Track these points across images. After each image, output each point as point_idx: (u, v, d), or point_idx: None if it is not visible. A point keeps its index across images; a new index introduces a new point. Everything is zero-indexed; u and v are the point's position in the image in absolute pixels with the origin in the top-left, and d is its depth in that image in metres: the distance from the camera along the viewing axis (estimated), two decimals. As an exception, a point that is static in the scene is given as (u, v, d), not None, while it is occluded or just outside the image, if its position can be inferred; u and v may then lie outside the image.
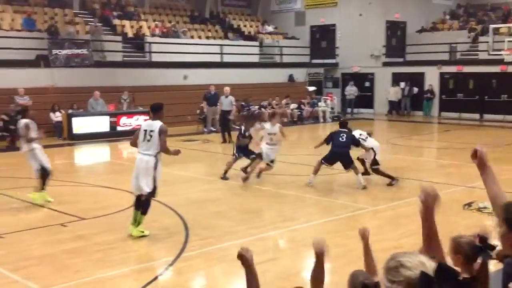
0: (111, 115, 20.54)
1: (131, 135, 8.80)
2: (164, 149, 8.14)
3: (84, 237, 8.20)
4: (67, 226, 8.75)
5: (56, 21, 23.01)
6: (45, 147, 11.37)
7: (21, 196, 10.42)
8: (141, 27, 25.65)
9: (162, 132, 8.07)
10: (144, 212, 8.15)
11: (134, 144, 8.37)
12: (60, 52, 20.79)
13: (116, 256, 7.31)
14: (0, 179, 12.01)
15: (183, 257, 7.22)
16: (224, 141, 18.69)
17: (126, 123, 20.63)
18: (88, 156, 17.98)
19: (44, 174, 10.10)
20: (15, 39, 20.61)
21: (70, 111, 19.79)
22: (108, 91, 21.18)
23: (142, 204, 8.18)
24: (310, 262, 7.31)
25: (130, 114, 20.94)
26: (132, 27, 25.62)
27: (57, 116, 19.68)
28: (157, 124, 8.13)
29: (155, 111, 8.37)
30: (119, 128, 20.49)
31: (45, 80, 20.28)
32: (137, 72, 22.96)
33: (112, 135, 19.93)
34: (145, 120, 15.38)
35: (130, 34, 25.16)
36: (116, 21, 25.49)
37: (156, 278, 6.65)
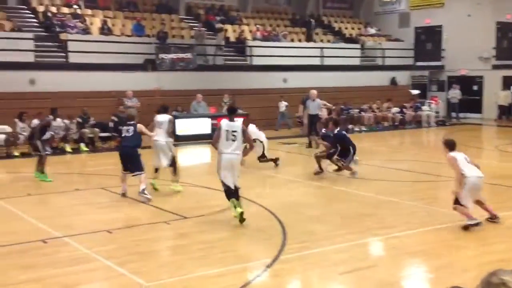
0: (212, 117, 21.06)
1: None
2: (252, 145, 9.28)
3: (186, 236, 8.46)
4: (170, 224, 9.07)
5: (165, 26, 24.01)
6: (148, 147, 11.90)
7: (128, 194, 10.92)
8: (243, 31, 26.13)
9: (245, 131, 9.03)
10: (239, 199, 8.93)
11: (215, 145, 8.99)
12: (166, 56, 21.67)
13: (216, 255, 7.47)
14: (108, 177, 12.69)
15: (280, 259, 7.25)
16: (310, 145, 17.98)
17: (226, 125, 21.06)
18: (190, 156, 18.54)
19: (175, 164, 11.46)
20: (125, 44, 21.74)
21: (174, 113, 20.51)
22: (210, 93, 21.76)
23: (237, 193, 8.90)
24: (410, 271, 7.10)
25: (230, 116, 21.36)
26: (234, 31, 26.16)
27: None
28: (238, 124, 8.98)
29: (233, 113, 9.33)
30: (220, 130, 20.96)
31: (152, 83, 21.20)
32: (238, 75, 23.41)
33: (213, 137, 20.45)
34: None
35: (232, 38, 25.70)
36: (219, 26, 26.14)
37: (254, 279, 6.72)
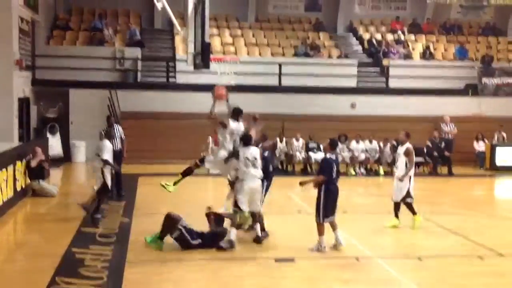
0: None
1: None
2: None
3: (503, 274, 7.89)
4: (484, 260, 8.56)
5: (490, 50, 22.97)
6: (465, 176, 11.44)
7: (438, 221, 10.71)
8: None
9: None
10: None
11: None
12: (489, 80, 20.74)
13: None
14: (423, 203, 12.56)
15: None
16: None
17: None
18: (509, 189, 17.16)
19: None
20: (445, 68, 21.43)
21: (494, 141, 19.39)
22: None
23: None
24: None
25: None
26: None
27: (480, 146, 19.48)
28: None
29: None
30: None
31: (471, 108, 20.41)
32: None
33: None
34: None
35: None
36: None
37: None
